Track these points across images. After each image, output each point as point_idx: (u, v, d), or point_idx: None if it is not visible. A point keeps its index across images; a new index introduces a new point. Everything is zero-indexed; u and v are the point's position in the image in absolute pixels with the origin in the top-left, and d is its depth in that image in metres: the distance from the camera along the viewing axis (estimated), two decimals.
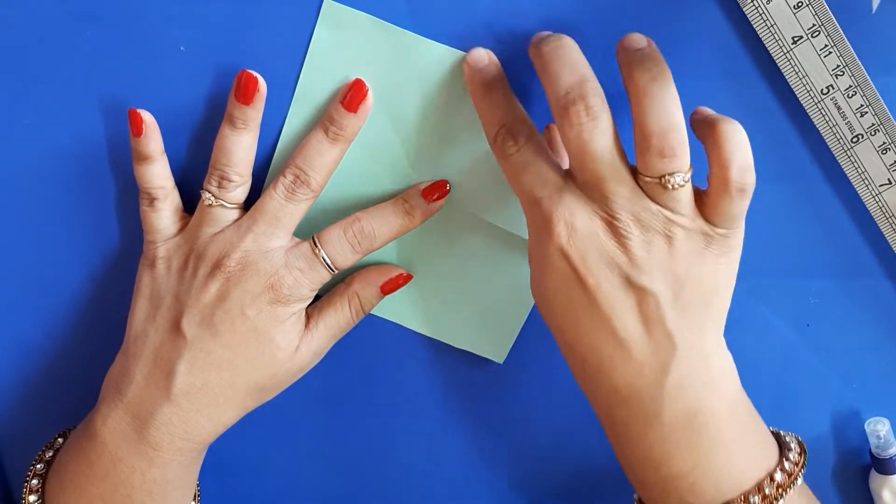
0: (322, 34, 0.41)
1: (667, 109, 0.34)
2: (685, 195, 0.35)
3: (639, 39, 0.36)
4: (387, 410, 0.47)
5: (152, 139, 0.40)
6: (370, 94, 0.40)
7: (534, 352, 0.45)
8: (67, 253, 0.44)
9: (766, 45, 0.40)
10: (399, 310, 0.45)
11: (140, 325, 0.40)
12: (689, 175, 0.35)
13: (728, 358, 0.37)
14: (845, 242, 0.43)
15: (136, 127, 0.40)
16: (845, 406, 0.46)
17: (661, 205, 0.35)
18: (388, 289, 0.43)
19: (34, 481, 0.42)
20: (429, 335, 0.45)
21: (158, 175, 0.41)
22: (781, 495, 0.35)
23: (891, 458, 0.44)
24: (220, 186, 0.40)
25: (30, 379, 0.46)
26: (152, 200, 0.41)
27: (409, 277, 0.44)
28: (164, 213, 0.41)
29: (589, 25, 0.41)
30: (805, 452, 0.37)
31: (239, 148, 0.40)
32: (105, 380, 0.41)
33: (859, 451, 0.46)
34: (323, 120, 0.40)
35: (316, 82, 0.41)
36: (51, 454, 0.43)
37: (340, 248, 0.40)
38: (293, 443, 0.47)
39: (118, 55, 0.41)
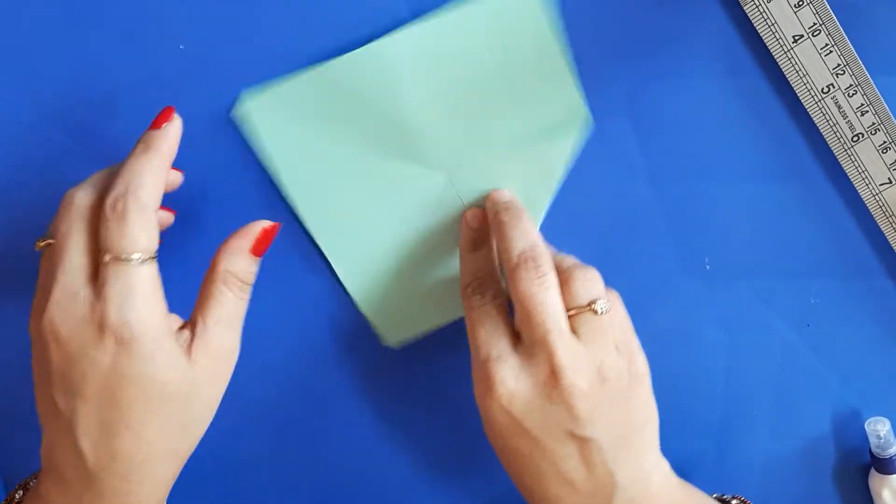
0: (259, 127, 0.41)
1: (582, 267, 0.39)
2: (605, 325, 0.38)
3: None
4: (381, 408, 0.47)
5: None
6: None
7: None
8: None
9: (767, 44, 0.40)
10: (414, 321, 0.45)
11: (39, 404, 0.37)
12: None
13: (665, 465, 0.39)
14: (846, 242, 0.43)
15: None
16: (845, 406, 0.46)
17: (591, 345, 0.37)
18: (259, 250, 0.38)
19: None
20: (445, 322, 0.45)
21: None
22: None
23: (891, 457, 0.44)
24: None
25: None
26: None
27: (276, 226, 0.39)
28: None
29: (590, 25, 0.41)
30: None
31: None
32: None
33: (859, 450, 0.46)
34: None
35: (288, 159, 0.41)
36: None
37: (108, 224, 0.34)
38: (284, 444, 0.47)
39: (117, 54, 0.41)
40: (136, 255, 0.34)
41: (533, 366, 0.37)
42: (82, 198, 0.36)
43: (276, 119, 0.41)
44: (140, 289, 0.34)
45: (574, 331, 0.37)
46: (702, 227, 0.43)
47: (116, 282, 0.34)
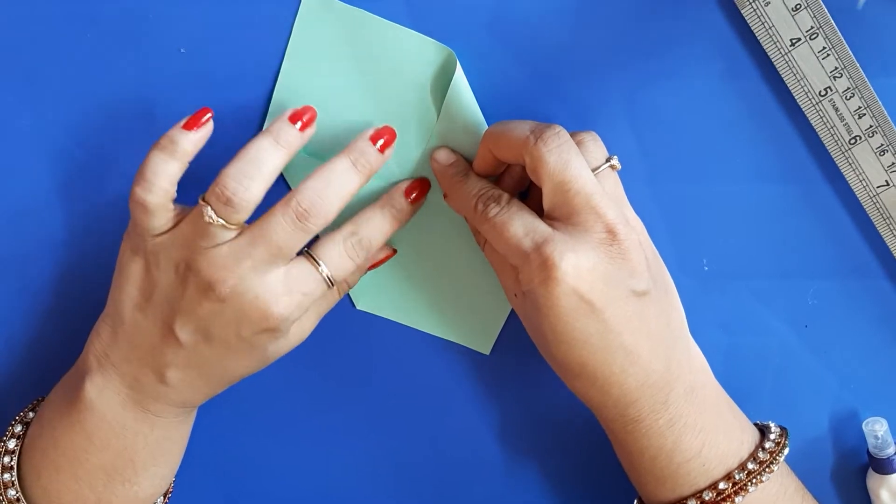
0: (303, 25, 0.41)
1: (584, 131, 0.40)
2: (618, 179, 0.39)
3: None
4: (373, 403, 0.47)
5: (196, 141, 0.38)
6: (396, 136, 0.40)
7: (520, 343, 0.45)
8: (63, 253, 0.44)
9: (765, 47, 0.40)
10: (384, 303, 0.45)
11: (128, 310, 0.39)
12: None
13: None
14: (843, 244, 0.43)
15: (194, 122, 0.37)
16: (843, 406, 0.46)
17: (618, 199, 0.39)
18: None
19: (6, 476, 0.40)
20: (414, 327, 0.45)
21: (170, 177, 0.37)
22: (775, 460, 0.39)
23: (888, 457, 0.44)
24: (227, 204, 0.36)
25: None
26: (146, 204, 0.37)
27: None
28: (157, 217, 0.38)
29: (589, 28, 0.41)
30: (786, 431, 0.41)
31: (267, 168, 0.37)
32: (90, 342, 0.40)
33: (857, 450, 0.46)
34: (350, 150, 0.39)
35: (297, 74, 0.41)
36: (13, 444, 0.41)
37: (342, 262, 0.39)
38: (280, 438, 0.47)
39: (119, 57, 0.41)
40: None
41: (584, 233, 0.36)
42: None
43: (321, 21, 0.41)
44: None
45: None
46: (700, 229, 0.43)
47: (308, 285, 0.38)
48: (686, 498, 0.38)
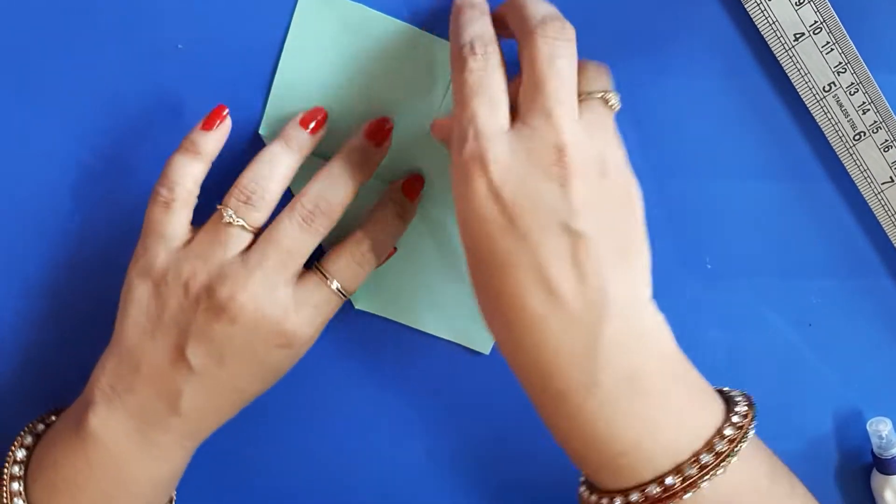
0: (301, 20, 0.40)
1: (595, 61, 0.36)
2: (612, 122, 0.35)
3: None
4: (372, 403, 0.47)
5: (216, 140, 0.39)
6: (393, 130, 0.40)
7: None
8: (62, 252, 0.44)
9: (768, 42, 0.40)
10: (384, 303, 0.45)
11: (135, 337, 0.38)
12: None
13: (661, 316, 0.34)
14: (847, 241, 0.43)
15: (211, 121, 0.38)
16: (847, 406, 0.46)
17: (594, 133, 0.34)
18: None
19: (14, 485, 0.39)
20: (414, 326, 0.45)
21: (195, 177, 0.38)
22: (734, 451, 0.33)
23: (893, 457, 0.44)
24: (246, 203, 0.38)
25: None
26: (170, 201, 0.38)
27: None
28: (179, 217, 0.38)
29: (589, 24, 0.41)
30: (753, 406, 0.35)
31: (281, 169, 0.38)
32: (95, 376, 0.39)
33: (861, 451, 0.46)
34: (347, 150, 0.39)
35: (295, 70, 0.41)
36: (22, 454, 0.40)
37: (352, 273, 0.39)
38: (279, 438, 0.47)
39: (115, 53, 0.41)
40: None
41: (533, 140, 0.33)
42: None
43: (320, 16, 0.40)
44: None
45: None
46: (703, 227, 0.43)
47: (318, 298, 0.39)
48: (628, 490, 0.33)
